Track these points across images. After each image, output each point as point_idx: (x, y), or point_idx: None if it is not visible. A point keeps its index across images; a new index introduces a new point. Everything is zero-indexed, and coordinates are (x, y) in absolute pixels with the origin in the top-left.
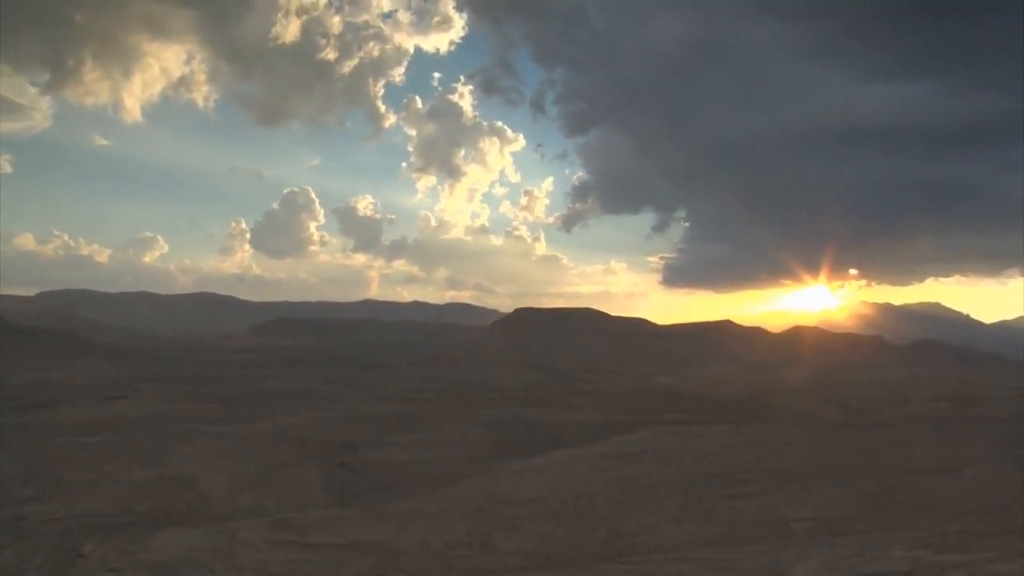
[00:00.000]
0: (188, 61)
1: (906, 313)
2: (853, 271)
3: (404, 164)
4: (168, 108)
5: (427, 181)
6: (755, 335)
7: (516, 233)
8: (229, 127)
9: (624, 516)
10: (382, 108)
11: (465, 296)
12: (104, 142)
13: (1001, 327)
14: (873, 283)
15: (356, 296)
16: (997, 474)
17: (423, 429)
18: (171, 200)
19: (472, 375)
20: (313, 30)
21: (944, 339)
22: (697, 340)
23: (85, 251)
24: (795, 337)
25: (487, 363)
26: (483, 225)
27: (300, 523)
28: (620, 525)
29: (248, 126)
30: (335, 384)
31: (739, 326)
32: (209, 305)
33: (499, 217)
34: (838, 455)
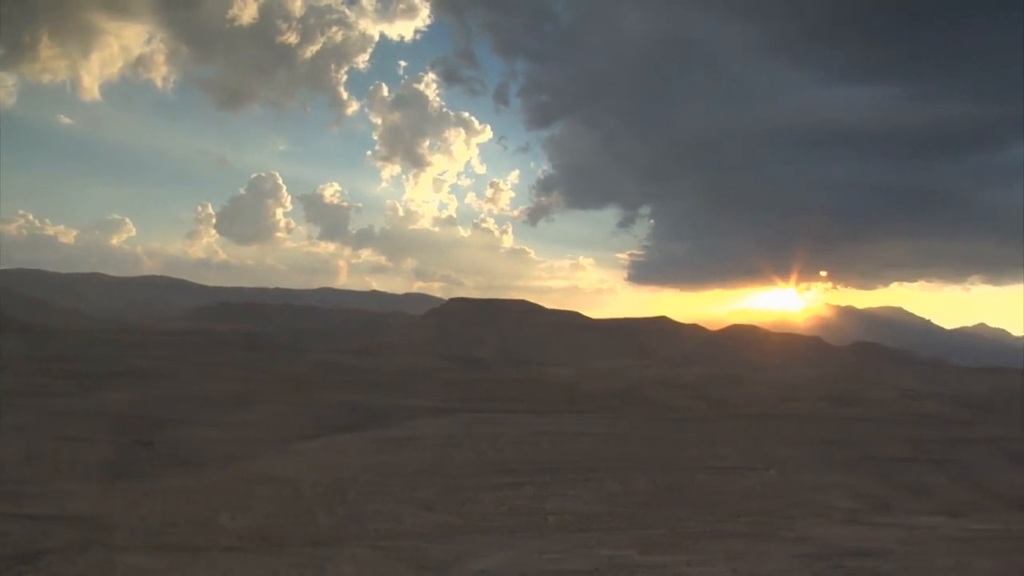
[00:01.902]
0: (148, 41)
1: (866, 316)
2: (823, 273)
3: (369, 152)
4: (127, 88)
5: (391, 170)
6: (687, 332)
7: (484, 225)
8: (191, 109)
9: (373, 501)
10: (344, 95)
11: (435, 288)
12: (68, 120)
13: (960, 333)
14: (840, 286)
15: (324, 284)
16: (798, 475)
17: (245, 409)
18: (138, 182)
19: (363, 362)
20: (273, 12)
21: (896, 343)
22: (625, 335)
23: (50, 231)
24: (729, 335)
25: (405, 351)
26: (450, 216)
27: (28, 494)
28: (362, 509)
29: (209, 109)
30: (198, 365)
31: (674, 323)
32: (161, 289)
33: (464, 209)
34: (644, 449)
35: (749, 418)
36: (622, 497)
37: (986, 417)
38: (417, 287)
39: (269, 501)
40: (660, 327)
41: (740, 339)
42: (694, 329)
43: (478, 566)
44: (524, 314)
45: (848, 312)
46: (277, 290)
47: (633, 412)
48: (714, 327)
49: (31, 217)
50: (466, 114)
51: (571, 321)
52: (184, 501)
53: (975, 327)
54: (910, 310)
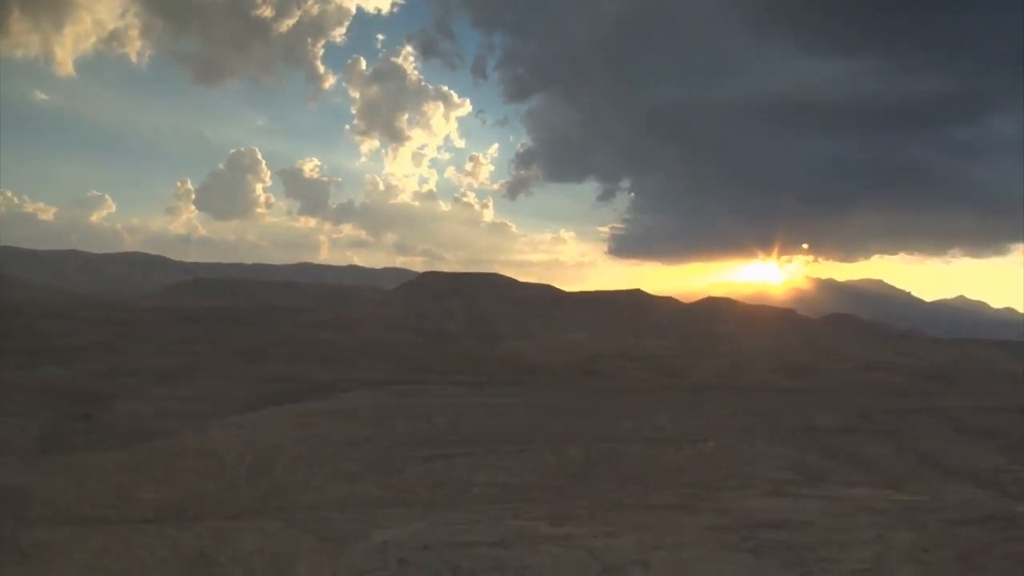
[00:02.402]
0: (122, 15)
1: (846, 289)
2: (804, 246)
3: (347, 126)
4: (102, 63)
5: (370, 144)
6: (660, 305)
7: (464, 199)
8: (167, 84)
9: (298, 473)
10: (321, 69)
11: (416, 262)
12: (44, 96)
13: (939, 306)
14: (821, 259)
15: (305, 259)
16: (736, 446)
17: (189, 383)
18: (117, 159)
19: (328, 335)
20: None
21: (875, 316)
22: (597, 308)
23: (29, 209)
24: (702, 308)
25: (372, 325)
26: (431, 191)
27: None
28: (286, 482)
29: (186, 84)
30: (150, 340)
31: (648, 295)
32: (139, 266)
33: (444, 183)
34: (582, 421)
35: (697, 389)
36: (554, 469)
37: (942, 388)
38: (399, 262)
39: (192, 474)
40: (634, 300)
41: (712, 312)
42: (667, 302)
43: (382, 537)
44: (497, 288)
45: (828, 285)
46: (255, 265)
47: (581, 384)
48: (689, 300)
49: (9, 194)
50: (445, 88)
51: (544, 295)
52: (107, 475)
53: (955, 299)
54: (891, 283)
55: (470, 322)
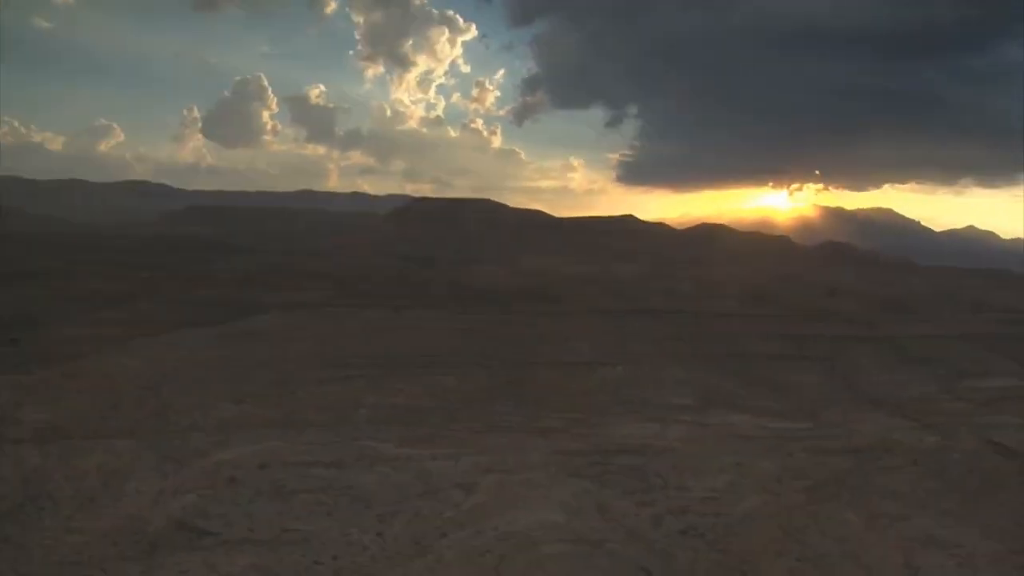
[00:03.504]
0: None
1: (854, 218)
2: (817, 172)
3: (351, 52)
4: None
5: (375, 70)
6: (650, 231)
7: (472, 126)
8: (167, 11)
9: (188, 395)
10: None
11: (425, 189)
12: (45, 24)
13: (948, 235)
14: (832, 187)
15: (315, 187)
16: (650, 371)
17: (127, 308)
18: (122, 86)
19: (307, 262)
20: None
21: (882, 245)
22: (585, 234)
23: (37, 138)
24: (695, 235)
25: (355, 252)
26: (438, 117)
27: None
28: (172, 403)
29: (186, 10)
30: (97, 266)
31: (639, 221)
32: (141, 194)
33: (451, 109)
34: (499, 345)
35: (643, 314)
36: (453, 392)
37: (899, 317)
38: (409, 189)
39: (81, 396)
40: (623, 226)
41: (702, 238)
42: (657, 228)
43: (223, 456)
44: (487, 214)
45: (836, 214)
46: (258, 193)
47: (521, 308)
48: (682, 226)
49: (16, 124)
50: (450, 12)
51: (533, 221)
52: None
53: (964, 229)
54: (901, 212)
55: (457, 249)
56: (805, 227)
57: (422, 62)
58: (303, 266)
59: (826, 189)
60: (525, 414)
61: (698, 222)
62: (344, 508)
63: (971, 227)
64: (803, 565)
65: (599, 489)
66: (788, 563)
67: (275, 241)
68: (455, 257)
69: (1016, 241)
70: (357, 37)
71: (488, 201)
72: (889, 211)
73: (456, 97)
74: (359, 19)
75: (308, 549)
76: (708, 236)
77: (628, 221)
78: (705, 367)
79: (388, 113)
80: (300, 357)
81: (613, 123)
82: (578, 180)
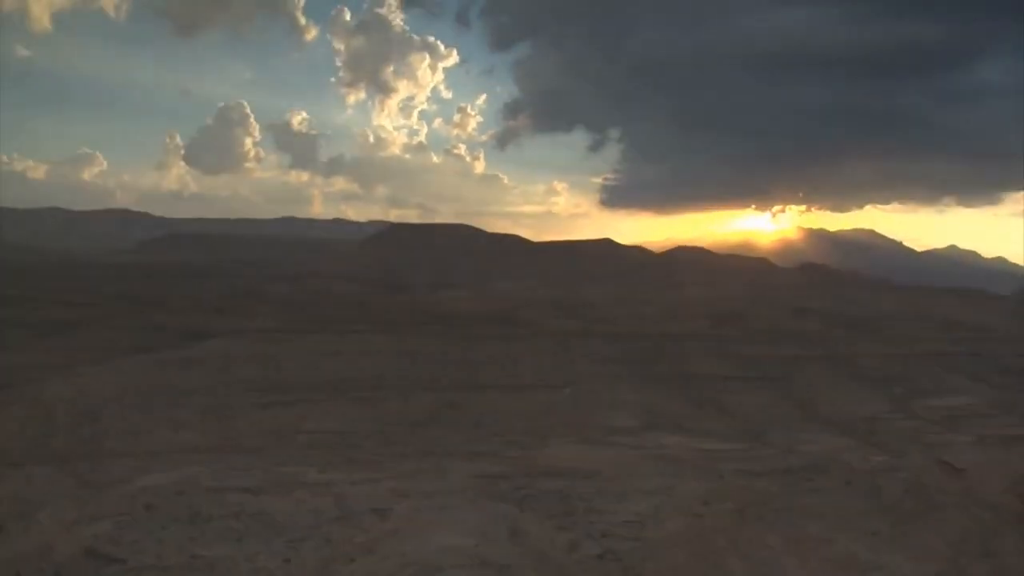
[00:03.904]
0: None
1: (836, 239)
2: (800, 194)
3: (332, 79)
4: (78, 18)
5: (356, 96)
6: (626, 254)
7: (455, 151)
8: (146, 38)
9: (128, 421)
10: (303, 20)
11: (410, 215)
12: (25, 52)
13: (930, 256)
14: (815, 208)
15: (299, 213)
16: (597, 393)
17: (75, 335)
18: (105, 115)
19: (276, 288)
20: None
21: (863, 266)
22: (560, 258)
23: (19, 167)
24: (671, 258)
25: (328, 278)
26: (421, 143)
27: None
28: (112, 429)
29: (165, 36)
30: (54, 293)
31: (616, 245)
32: (120, 222)
33: (433, 134)
34: (446, 368)
35: (596, 337)
36: (395, 416)
37: (862, 336)
38: (394, 215)
39: (11, 423)
40: (600, 250)
41: (679, 262)
42: (634, 251)
43: (143, 483)
44: (463, 239)
45: (817, 235)
46: (240, 220)
47: (479, 332)
48: (659, 249)
49: None
50: (431, 38)
51: (510, 246)
52: None
53: (945, 249)
54: (882, 232)
55: (431, 273)
56: (787, 249)
57: (403, 88)
58: (265, 293)
59: (809, 210)
60: (463, 437)
61: (678, 245)
62: (255, 534)
63: (953, 247)
64: None
65: (518, 513)
66: None
67: (249, 267)
68: (426, 282)
69: (997, 260)
70: (338, 64)
71: (465, 226)
72: (871, 232)
73: (438, 123)
74: (340, 46)
75: None
76: (684, 259)
77: (605, 245)
78: (655, 389)
79: (371, 139)
80: (241, 383)
81: (595, 147)
82: (562, 204)
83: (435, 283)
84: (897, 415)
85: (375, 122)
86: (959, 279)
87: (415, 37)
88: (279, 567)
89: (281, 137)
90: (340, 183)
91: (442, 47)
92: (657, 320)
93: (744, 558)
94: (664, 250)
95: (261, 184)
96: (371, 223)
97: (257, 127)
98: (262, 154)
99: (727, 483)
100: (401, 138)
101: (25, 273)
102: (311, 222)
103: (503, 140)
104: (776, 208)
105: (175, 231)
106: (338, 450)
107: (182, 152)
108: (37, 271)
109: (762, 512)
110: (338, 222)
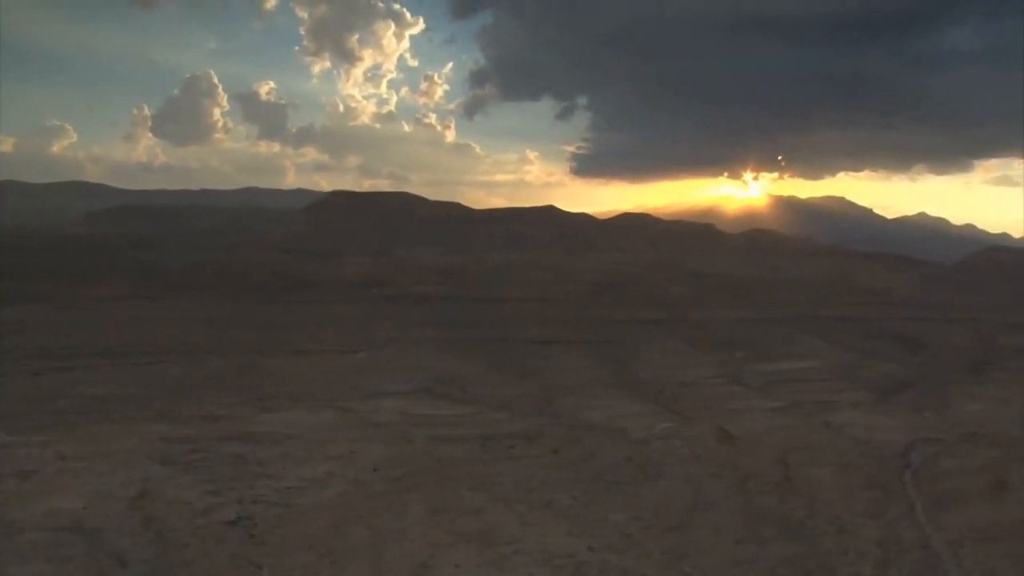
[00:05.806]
0: None
1: (805, 207)
2: (774, 162)
3: (296, 48)
4: None
5: (321, 65)
6: (568, 221)
7: (426, 120)
8: (104, 7)
9: None
10: None
11: (382, 184)
12: None
13: (899, 223)
14: (787, 176)
15: (268, 184)
16: (393, 358)
17: None
18: (72, 86)
19: (209, 257)
20: None
21: (832, 234)
22: (499, 225)
23: None
24: (613, 225)
25: (257, 247)
26: (390, 111)
27: None
28: None
29: (122, 5)
30: None
31: (560, 212)
32: (77, 194)
33: (402, 103)
34: (246, 332)
35: (439, 300)
36: (171, 380)
37: (730, 300)
38: (367, 185)
39: None
40: (544, 216)
41: (621, 228)
42: (578, 218)
43: None
44: (403, 206)
45: (787, 203)
46: (200, 191)
47: (312, 298)
48: (604, 217)
49: None
50: (396, 6)
51: (451, 214)
52: None
53: (916, 216)
54: (853, 200)
55: (362, 240)
56: (750, 216)
57: (368, 57)
58: (152, 263)
59: (781, 178)
60: (229, 400)
61: (623, 212)
62: None
63: (922, 214)
64: (322, 561)
65: (173, 476)
66: (310, 558)
67: (190, 238)
68: (344, 249)
69: (966, 227)
70: (302, 32)
71: (406, 194)
72: (841, 199)
73: (405, 91)
74: (303, 14)
75: None
76: (625, 225)
77: (546, 212)
78: (462, 353)
79: (340, 109)
80: (23, 348)
81: (564, 115)
82: (535, 173)
83: (354, 250)
84: (718, 380)
85: (343, 92)
86: (925, 246)
87: (380, 4)
88: None
89: (249, 107)
90: (311, 153)
91: (408, 15)
92: (536, 286)
93: (369, 527)
94: (608, 217)
95: (231, 155)
96: (336, 193)
97: (224, 97)
98: (231, 124)
99: (411, 449)
100: (371, 107)
101: None
102: (272, 192)
103: (471, 109)
104: (749, 175)
105: (129, 203)
106: (77, 415)
107: (150, 124)
108: None
109: (426, 479)
110: (300, 192)
